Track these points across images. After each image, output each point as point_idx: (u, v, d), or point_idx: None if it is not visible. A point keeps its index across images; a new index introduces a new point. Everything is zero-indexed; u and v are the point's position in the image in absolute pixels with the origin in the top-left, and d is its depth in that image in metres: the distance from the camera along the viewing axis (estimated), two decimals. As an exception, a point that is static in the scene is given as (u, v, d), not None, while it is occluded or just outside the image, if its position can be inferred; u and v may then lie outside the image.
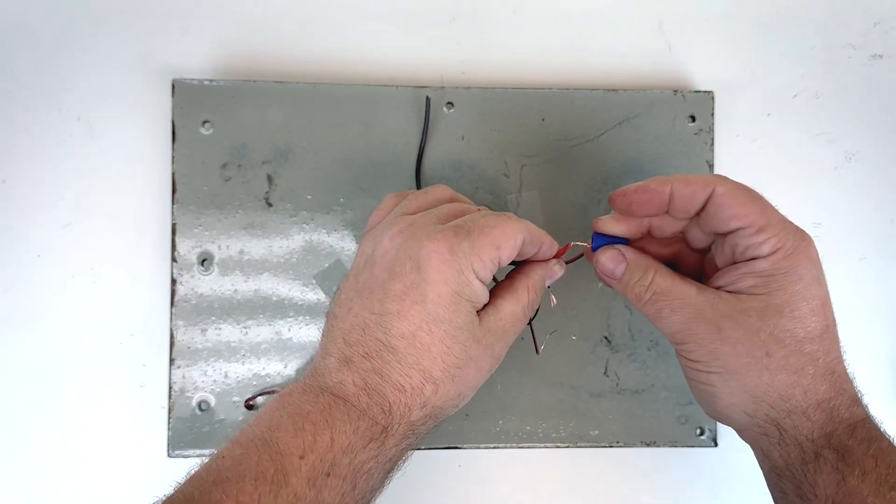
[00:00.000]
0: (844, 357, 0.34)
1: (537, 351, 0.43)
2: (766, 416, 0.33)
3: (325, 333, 0.34)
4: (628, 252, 0.36)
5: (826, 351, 0.33)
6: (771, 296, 0.33)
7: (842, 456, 0.32)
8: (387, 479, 0.33)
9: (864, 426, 0.33)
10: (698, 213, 0.35)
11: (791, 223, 0.34)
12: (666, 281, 0.35)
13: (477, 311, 0.33)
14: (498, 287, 0.36)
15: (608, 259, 0.36)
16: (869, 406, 0.34)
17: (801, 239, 0.33)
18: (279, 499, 0.28)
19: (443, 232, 0.32)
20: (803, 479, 0.33)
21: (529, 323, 0.42)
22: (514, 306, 0.35)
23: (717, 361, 0.34)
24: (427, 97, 0.44)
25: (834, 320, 0.34)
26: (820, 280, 0.33)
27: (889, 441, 0.32)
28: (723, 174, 0.35)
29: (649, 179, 0.35)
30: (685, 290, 0.34)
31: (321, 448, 0.30)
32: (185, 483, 0.30)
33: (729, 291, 0.34)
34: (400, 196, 0.38)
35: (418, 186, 0.44)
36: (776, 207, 0.34)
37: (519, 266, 0.37)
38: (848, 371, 0.34)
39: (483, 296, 0.33)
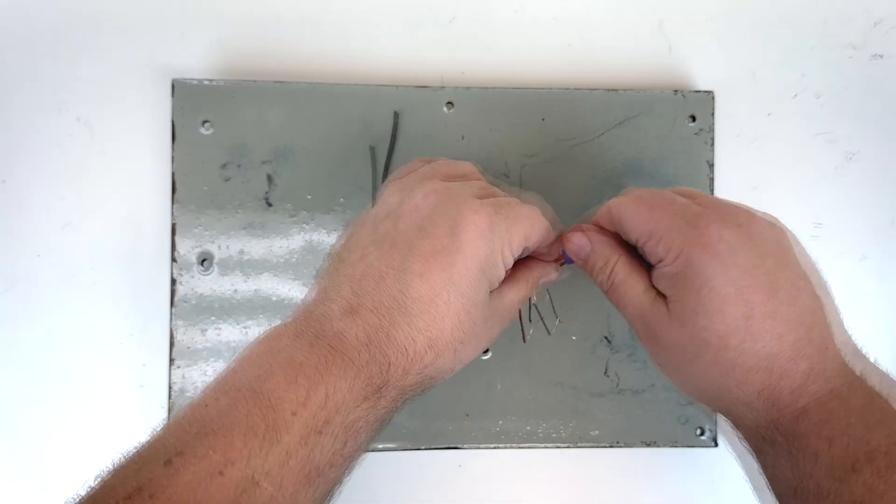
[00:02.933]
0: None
1: (524, 339, 0.44)
2: (716, 407, 0.34)
3: (327, 275, 0.32)
4: (594, 236, 0.36)
5: (755, 338, 0.30)
6: (684, 297, 0.32)
7: (792, 441, 0.30)
8: (372, 439, 0.32)
9: (820, 406, 0.30)
10: None
11: (686, 217, 0.32)
12: (623, 273, 0.35)
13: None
14: None
15: (576, 240, 0.36)
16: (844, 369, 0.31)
17: (692, 228, 0.31)
18: (270, 456, 0.26)
19: (484, 206, 0.31)
20: (766, 463, 0.32)
21: (519, 316, 0.43)
22: (515, 295, 0.35)
23: (661, 362, 0.35)
24: (395, 112, 0.44)
25: (764, 299, 0.30)
26: (727, 264, 0.31)
27: (858, 416, 0.29)
28: (634, 189, 0.35)
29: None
30: (634, 288, 0.34)
31: (315, 404, 0.28)
32: (163, 432, 0.28)
33: (661, 294, 0.34)
34: (428, 161, 0.37)
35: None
36: (681, 208, 0.33)
37: (523, 259, 0.37)
38: (806, 339, 0.31)
39: (500, 279, 0.33)
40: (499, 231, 0.31)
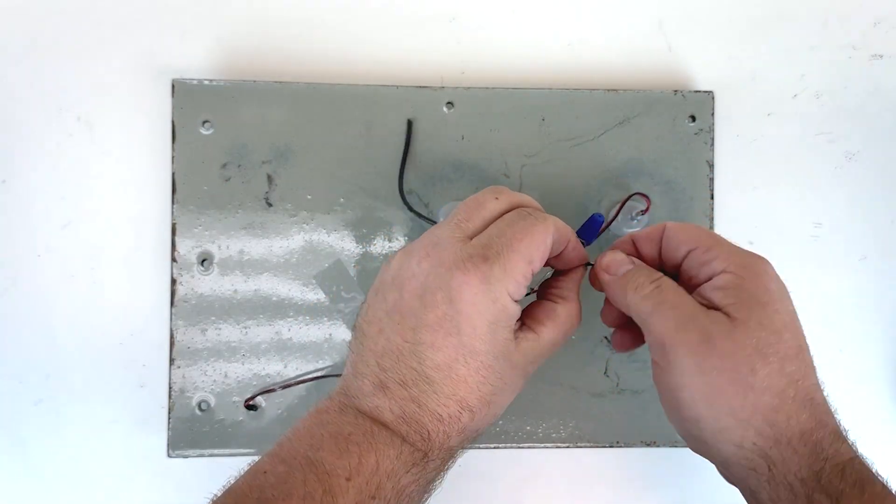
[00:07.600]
0: (823, 387, 0.32)
1: None
2: (754, 445, 0.31)
3: (355, 350, 0.34)
4: (634, 258, 0.36)
5: (803, 374, 0.31)
6: (748, 307, 0.31)
7: (836, 501, 0.29)
8: (425, 499, 0.33)
9: (854, 466, 0.30)
10: (661, 258, 0.36)
11: (742, 249, 0.33)
12: (670, 285, 0.33)
13: (515, 332, 0.33)
14: (537, 310, 0.35)
15: (615, 257, 0.35)
16: (856, 443, 0.32)
17: (753, 258, 0.33)
18: None
19: (472, 260, 0.31)
20: None
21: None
22: (555, 334, 0.34)
23: (703, 377, 0.31)
24: (409, 120, 0.44)
25: (806, 343, 0.32)
26: (784, 296, 0.32)
27: (882, 484, 0.30)
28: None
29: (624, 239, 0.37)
30: (686, 299, 0.33)
31: (367, 471, 0.29)
32: (224, 497, 0.29)
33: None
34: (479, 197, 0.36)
35: (403, 200, 0.44)
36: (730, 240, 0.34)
37: (555, 280, 0.36)
38: (828, 402, 0.32)
39: (517, 312, 0.32)
40: (494, 278, 0.31)
